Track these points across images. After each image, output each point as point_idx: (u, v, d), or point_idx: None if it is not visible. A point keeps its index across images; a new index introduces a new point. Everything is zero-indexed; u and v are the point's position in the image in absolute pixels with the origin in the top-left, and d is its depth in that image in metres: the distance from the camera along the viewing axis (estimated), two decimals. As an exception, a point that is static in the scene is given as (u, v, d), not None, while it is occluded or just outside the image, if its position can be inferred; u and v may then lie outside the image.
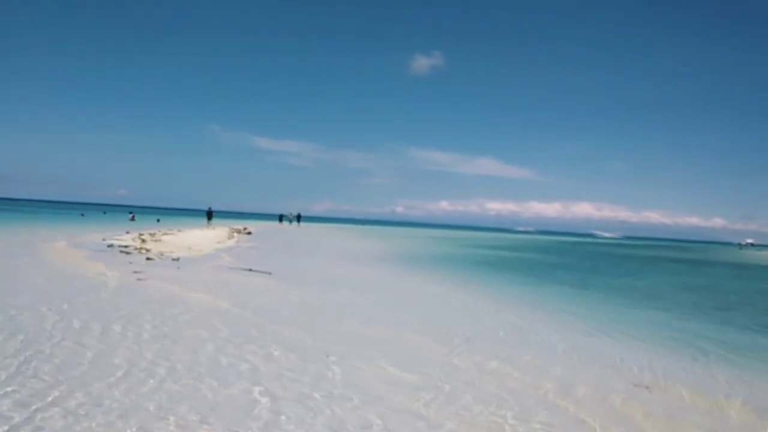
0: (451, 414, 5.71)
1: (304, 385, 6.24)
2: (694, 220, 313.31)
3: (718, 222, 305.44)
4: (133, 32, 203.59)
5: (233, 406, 5.45)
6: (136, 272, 14.90)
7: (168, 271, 15.99)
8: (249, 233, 43.42)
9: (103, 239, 25.95)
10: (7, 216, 54.18)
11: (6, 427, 4.58)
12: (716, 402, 7.05)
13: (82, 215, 64.82)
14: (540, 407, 6.13)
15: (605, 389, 7.08)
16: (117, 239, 26.20)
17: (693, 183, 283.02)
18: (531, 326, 11.16)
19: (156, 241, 26.73)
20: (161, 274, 15.04)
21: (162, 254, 20.61)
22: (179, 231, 35.81)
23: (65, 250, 20.23)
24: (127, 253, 20.30)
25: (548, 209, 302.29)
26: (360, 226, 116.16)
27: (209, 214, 61.28)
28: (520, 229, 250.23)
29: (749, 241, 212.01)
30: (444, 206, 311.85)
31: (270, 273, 17.31)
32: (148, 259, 18.68)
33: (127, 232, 31.68)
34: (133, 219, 55.42)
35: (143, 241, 25.91)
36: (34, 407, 5.02)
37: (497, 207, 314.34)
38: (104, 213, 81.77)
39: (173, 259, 19.21)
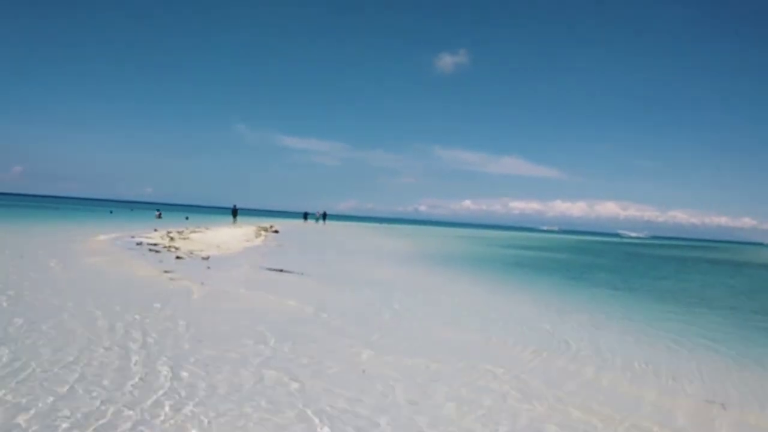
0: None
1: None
2: (723, 220, 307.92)
3: (747, 222, 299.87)
4: (162, 33, 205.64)
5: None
6: (167, 272, 14.53)
7: (198, 270, 15.60)
8: (276, 231, 43.14)
9: (132, 237, 25.74)
10: (41, 213, 54.73)
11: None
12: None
13: (111, 212, 65.28)
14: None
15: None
16: (145, 237, 25.98)
17: (722, 182, 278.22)
18: (599, 338, 10.17)
19: (184, 239, 26.46)
20: (191, 273, 14.64)
21: (191, 252, 20.29)
22: (207, 229, 35.61)
23: (97, 248, 19.96)
24: (157, 251, 20.00)
25: (573, 208, 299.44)
26: (384, 225, 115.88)
27: (234, 212, 61.25)
28: (545, 228, 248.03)
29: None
30: (467, 205, 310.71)
31: (302, 273, 16.84)
32: (177, 257, 18.35)
33: (155, 230, 31.50)
34: (159, 216, 55.55)
35: (172, 239, 25.66)
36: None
37: (521, 206, 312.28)
38: (131, 210, 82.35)
39: (203, 258, 18.86)
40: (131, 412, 4.88)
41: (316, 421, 5.06)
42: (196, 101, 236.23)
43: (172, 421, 4.78)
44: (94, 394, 5.27)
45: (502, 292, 16.29)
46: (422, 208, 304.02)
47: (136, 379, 5.75)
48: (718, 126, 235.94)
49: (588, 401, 6.24)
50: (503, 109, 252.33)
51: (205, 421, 4.86)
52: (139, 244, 22.36)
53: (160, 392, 5.44)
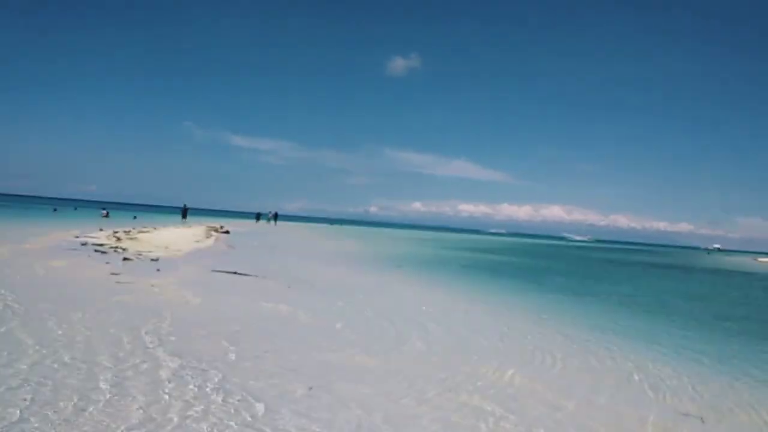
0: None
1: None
2: (662, 225, 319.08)
3: (684, 227, 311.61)
4: (108, 27, 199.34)
5: None
6: (113, 274, 13.88)
7: (147, 273, 14.97)
8: (227, 232, 42.18)
9: (76, 237, 24.67)
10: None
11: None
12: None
13: (55, 210, 62.76)
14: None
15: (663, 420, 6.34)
16: (90, 237, 24.93)
17: (661, 188, 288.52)
18: (569, 347, 9.99)
19: (132, 239, 25.51)
20: (140, 276, 14.03)
21: (140, 254, 19.53)
22: (155, 229, 34.47)
23: (38, 249, 18.97)
24: (103, 252, 19.17)
25: (519, 211, 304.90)
26: (336, 226, 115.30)
27: (184, 212, 59.74)
28: (493, 230, 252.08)
29: (716, 246, 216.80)
30: (417, 207, 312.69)
31: (257, 276, 16.38)
32: (125, 259, 17.62)
33: (101, 230, 30.32)
34: (107, 216, 53.70)
35: (118, 239, 24.69)
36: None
37: (470, 208, 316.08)
38: (75, 209, 79.27)
39: (152, 260, 18.16)
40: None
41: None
42: (144, 98, 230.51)
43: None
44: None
45: (468, 300, 15.72)
46: (372, 209, 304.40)
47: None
48: (659, 133, 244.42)
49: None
50: (453, 113, 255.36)
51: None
52: (84, 244, 21.42)
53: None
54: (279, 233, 54.17)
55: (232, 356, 7.20)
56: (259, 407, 5.46)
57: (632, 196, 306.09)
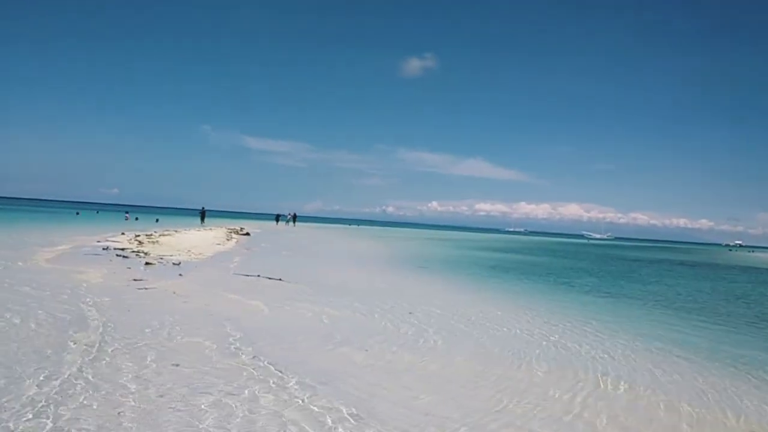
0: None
1: None
2: (682, 222, 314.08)
3: (705, 223, 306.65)
4: (126, 33, 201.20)
5: None
6: (135, 280, 13.59)
7: (170, 277, 14.68)
8: (247, 234, 42.04)
9: (98, 241, 24.52)
10: (1, 216, 52.55)
11: None
12: None
13: (77, 214, 63.24)
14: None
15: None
16: (112, 241, 24.77)
17: (681, 185, 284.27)
18: (629, 359, 9.11)
19: (153, 242, 25.31)
20: (163, 281, 13.74)
21: (161, 258, 19.28)
22: (176, 231, 34.36)
23: (59, 254, 18.79)
24: (125, 256, 18.94)
25: (537, 210, 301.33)
26: (353, 227, 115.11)
27: (202, 214, 59.94)
28: (510, 229, 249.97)
29: (738, 242, 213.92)
30: (434, 207, 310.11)
31: (281, 279, 16.01)
32: (147, 264, 17.36)
33: (123, 233, 30.21)
34: (128, 218, 53.96)
35: (140, 243, 24.49)
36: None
37: (487, 208, 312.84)
38: (97, 212, 79.80)
39: (174, 264, 17.90)
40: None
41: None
42: (161, 101, 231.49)
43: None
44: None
45: (506, 304, 14.80)
46: (389, 209, 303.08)
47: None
48: (677, 131, 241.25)
49: None
50: (468, 113, 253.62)
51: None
52: (106, 249, 21.23)
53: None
54: (298, 235, 53.96)
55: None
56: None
57: (651, 194, 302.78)
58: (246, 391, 5.87)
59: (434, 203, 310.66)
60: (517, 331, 10.88)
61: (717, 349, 10.61)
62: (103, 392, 5.51)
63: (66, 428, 4.62)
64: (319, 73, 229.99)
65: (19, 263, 15.19)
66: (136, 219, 56.63)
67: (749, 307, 17.99)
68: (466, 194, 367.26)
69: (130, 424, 4.78)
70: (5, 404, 5.01)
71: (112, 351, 6.98)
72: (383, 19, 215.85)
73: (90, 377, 5.92)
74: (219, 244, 28.71)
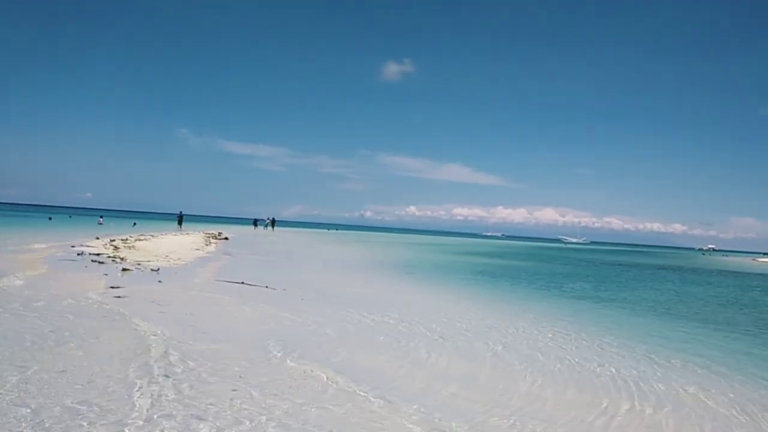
0: None
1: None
2: (656, 226, 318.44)
3: (678, 228, 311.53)
4: (102, 34, 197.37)
5: None
6: (113, 287, 12.82)
7: (149, 284, 13.94)
8: (226, 239, 41.14)
9: (72, 246, 23.54)
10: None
11: None
12: None
13: (50, 219, 61.55)
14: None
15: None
16: (87, 246, 23.81)
17: (655, 189, 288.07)
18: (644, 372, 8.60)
19: (129, 247, 24.41)
20: (142, 289, 12.99)
21: (139, 263, 18.48)
22: (153, 236, 33.34)
23: (31, 260, 17.86)
24: (100, 262, 18.11)
25: (514, 215, 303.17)
26: (333, 231, 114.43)
27: (180, 219, 58.70)
28: (488, 234, 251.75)
29: (711, 246, 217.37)
30: (412, 211, 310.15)
31: (266, 287, 15.33)
32: (124, 270, 16.58)
33: (97, 238, 29.17)
34: (101, 223, 52.65)
35: (116, 248, 23.57)
36: None
37: (465, 212, 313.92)
38: (70, 217, 77.89)
39: (152, 270, 17.12)
40: None
41: None
42: (138, 105, 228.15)
43: None
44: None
45: (497, 312, 14.27)
46: (368, 213, 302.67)
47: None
48: (650, 135, 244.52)
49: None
50: (447, 118, 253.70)
51: None
52: (81, 254, 20.33)
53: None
54: (278, 239, 53.13)
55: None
56: None
57: (626, 198, 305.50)
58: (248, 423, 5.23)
59: (412, 208, 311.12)
60: (530, 343, 10.25)
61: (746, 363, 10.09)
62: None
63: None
64: (299, 77, 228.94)
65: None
66: (113, 224, 55.37)
67: (747, 314, 17.67)
68: (444, 199, 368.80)
69: None
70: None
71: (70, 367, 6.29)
72: (362, 24, 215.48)
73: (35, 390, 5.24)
74: (198, 249, 27.88)
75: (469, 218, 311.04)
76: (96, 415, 4.89)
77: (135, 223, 58.30)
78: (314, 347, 8.43)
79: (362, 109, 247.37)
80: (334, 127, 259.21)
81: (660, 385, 7.81)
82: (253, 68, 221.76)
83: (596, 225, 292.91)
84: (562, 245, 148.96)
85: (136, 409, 5.09)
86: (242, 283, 15.73)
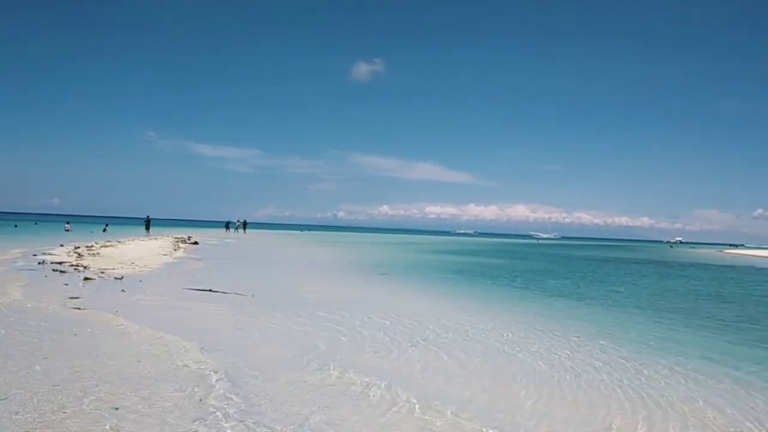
0: None
1: None
2: (624, 220, 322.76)
3: (645, 221, 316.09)
4: (64, 34, 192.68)
5: None
6: (72, 298, 12.10)
7: (112, 294, 13.24)
8: (195, 243, 40.17)
9: (34, 254, 22.59)
10: None
11: None
12: None
13: (16, 226, 59.58)
14: None
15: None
16: (50, 254, 22.86)
17: (622, 184, 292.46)
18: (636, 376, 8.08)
19: (94, 255, 23.49)
20: (103, 300, 12.28)
21: (102, 272, 17.69)
22: (119, 242, 32.35)
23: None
24: (62, 271, 17.28)
25: (486, 212, 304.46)
26: (306, 232, 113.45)
27: (147, 223, 57.49)
28: (461, 231, 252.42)
29: (678, 239, 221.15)
30: (385, 210, 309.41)
31: (236, 293, 14.70)
32: (86, 278, 15.83)
33: (61, 245, 28.15)
34: (68, 230, 51.14)
35: (79, 255, 22.65)
36: None
37: (437, 210, 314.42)
38: (35, 224, 75.67)
39: (116, 278, 16.38)
40: None
41: None
42: (102, 108, 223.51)
43: None
44: None
45: (484, 315, 13.52)
46: (341, 214, 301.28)
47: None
48: (618, 130, 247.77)
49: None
50: (418, 117, 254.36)
51: None
52: (42, 263, 19.44)
53: None
54: (250, 242, 52.21)
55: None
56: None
57: (594, 193, 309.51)
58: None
59: (385, 207, 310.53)
60: (524, 348, 9.71)
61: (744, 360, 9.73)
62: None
63: None
64: (269, 78, 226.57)
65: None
66: (82, 230, 54.30)
67: (731, 309, 17.34)
68: (416, 197, 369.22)
69: None
70: None
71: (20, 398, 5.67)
72: (331, 25, 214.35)
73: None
74: (166, 255, 27.02)
75: (442, 216, 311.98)
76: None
77: (106, 228, 56.74)
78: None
79: (333, 109, 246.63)
80: (304, 128, 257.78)
81: (671, 394, 7.37)
82: (222, 69, 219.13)
83: (566, 220, 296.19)
84: (534, 241, 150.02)
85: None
86: (210, 290, 15.08)
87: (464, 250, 58.65)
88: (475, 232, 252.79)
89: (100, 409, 5.34)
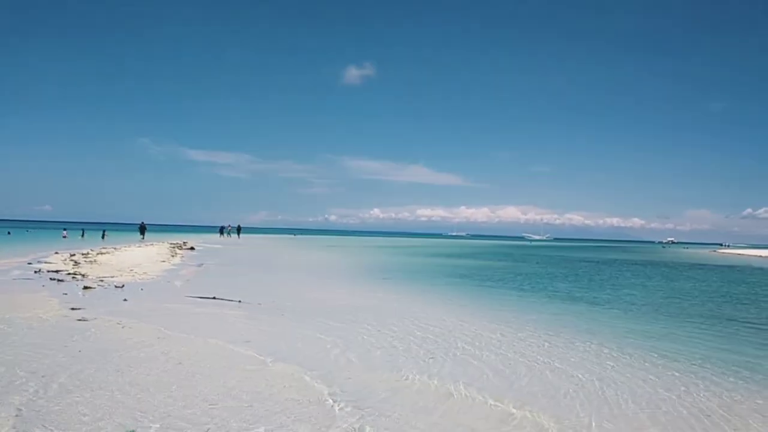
0: None
1: None
2: (615, 221, 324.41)
3: (636, 222, 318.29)
4: (57, 39, 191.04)
5: None
6: (74, 309, 11.67)
7: (114, 304, 12.83)
8: (192, 248, 39.67)
9: (29, 263, 22.07)
10: None
11: None
12: None
13: (9, 233, 58.88)
14: None
15: None
16: (45, 262, 22.36)
17: (612, 185, 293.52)
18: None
19: (91, 262, 23.01)
20: (106, 309, 11.87)
21: (101, 280, 17.26)
22: (115, 249, 31.82)
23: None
24: (59, 280, 16.82)
25: (477, 214, 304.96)
26: (299, 236, 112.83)
27: (142, 229, 56.85)
28: (453, 233, 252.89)
29: (670, 239, 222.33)
30: (376, 213, 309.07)
31: (240, 301, 14.29)
32: (86, 287, 15.39)
33: (56, 253, 27.61)
34: (65, 237, 50.66)
35: (76, 263, 22.16)
36: None
37: (428, 213, 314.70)
38: (27, 231, 74.84)
39: (116, 287, 15.97)
40: None
41: None
42: (95, 115, 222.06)
43: None
44: None
45: (502, 323, 12.79)
46: (332, 217, 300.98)
47: None
48: (608, 131, 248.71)
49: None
50: (408, 120, 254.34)
51: None
52: (38, 271, 18.95)
53: None
54: (245, 247, 51.71)
55: None
56: None
57: (585, 194, 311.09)
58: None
59: (376, 210, 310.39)
60: (566, 359, 9.23)
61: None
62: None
63: None
64: (259, 83, 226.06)
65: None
66: (83, 236, 54.34)
67: (749, 310, 16.98)
68: (408, 200, 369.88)
69: None
70: None
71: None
72: (321, 29, 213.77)
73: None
74: (163, 261, 26.54)
75: (433, 218, 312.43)
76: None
77: (104, 235, 56.01)
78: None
79: (324, 113, 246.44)
80: (296, 132, 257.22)
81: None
82: (214, 75, 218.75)
83: (558, 221, 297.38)
84: (528, 243, 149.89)
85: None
86: (214, 298, 14.67)
87: (460, 253, 58.35)
88: (467, 234, 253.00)
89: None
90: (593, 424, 5.98)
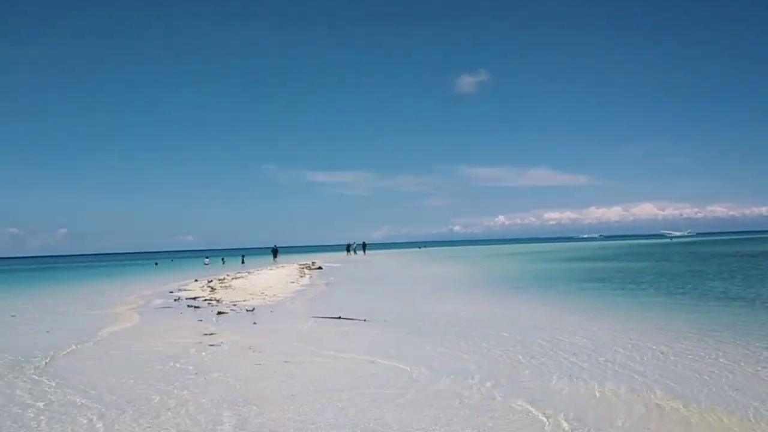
0: None
1: None
2: (765, 210, 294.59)
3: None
4: (181, 81, 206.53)
5: None
6: (207, 334, 11.91)
7: (244, 327, 13.08)
8: (319, 268, 40.57)
9: (170, 291, 23.39)
10: (84, 272, 53.65)
11: None
12: None
13: (156, 264, 64.08)
14: None
15: None
16: (184, 290, 23.61)
17: (759, 171, 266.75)
18: None
19: (225, 287, 23.98)
20: (236, 334, 12.04)
21: (234, 304, 17.79)
22: (249, 273, 33.21)
23: (124, 312, 17.52)
24: (196, 307, 17.55)
25: (609, 213, 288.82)
26: (424, 249, 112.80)
27: (275, 252, 59.35)
28: (585, 236, 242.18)
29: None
30: (501, 221, 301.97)
31: (365, 320, 14.00)
32: (219, 313, 15.85)
33: (195, 280, 29.18)
34: (207, 264, 54.31)
35: (212, 289, 23.18)
36: None
37: (556, 216, 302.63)
38: (171, 261, 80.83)
39: (248, 310, 16.35)
40: None
41: None
42: (224, 147, 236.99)
43: None
44: None
45: (681, 336, 10.61)
46: (456, 228, 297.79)
47: None
48: (747, 116, 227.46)
49: None
50: (527, 123, 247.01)
51: None
52: (177, 299, 19.95)
53: None
54: (371, 263, 52.25)
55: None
56: None
57: (728, 184, 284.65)
58: None
59: (501, 217, 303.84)
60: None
61: None
62: None
63: None
64: (372, 99, 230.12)
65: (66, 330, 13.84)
66: (223, 262, 57.95)
67: None
68: (533, 205, 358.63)
69: None
70: None
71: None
72: (432, 39, 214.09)
73: None
74: (293, 282, 27.17)
75: (562, 222, 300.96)
76: None
77: (243, 260, 59.05)
78: None
79: (439, 123, 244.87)
80: (413, 146, 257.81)
81: None
82: (326, 96, 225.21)
83: (699, 215, 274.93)
84: (668, 240, 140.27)
85: None
86: (339, 317, 14.49)
87: (594, 256, 55.30)
88: (600, 235, 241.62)
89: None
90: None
